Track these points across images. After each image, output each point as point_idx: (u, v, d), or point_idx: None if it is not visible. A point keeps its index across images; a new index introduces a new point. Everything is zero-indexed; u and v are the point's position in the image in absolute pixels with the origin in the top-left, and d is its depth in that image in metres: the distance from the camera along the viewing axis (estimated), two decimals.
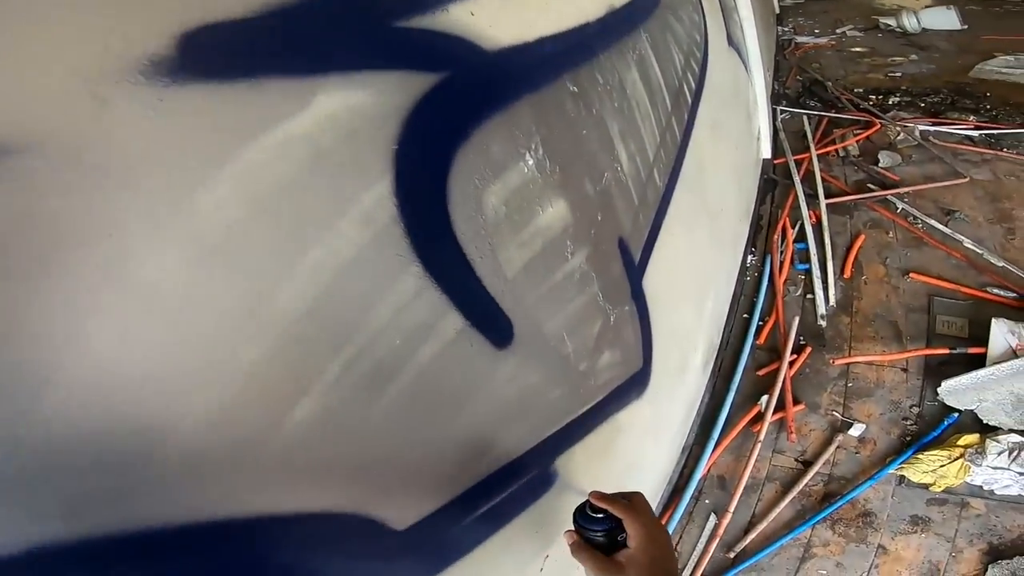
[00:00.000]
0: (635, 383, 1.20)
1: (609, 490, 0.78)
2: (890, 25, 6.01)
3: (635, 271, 1.15)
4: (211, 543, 0.47)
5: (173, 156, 0.43)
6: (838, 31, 6.21)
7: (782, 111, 3.85)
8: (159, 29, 0.41)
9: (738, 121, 2.36)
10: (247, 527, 0.49)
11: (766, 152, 3.09)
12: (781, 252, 2.53)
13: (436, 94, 0.63)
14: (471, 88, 0.71)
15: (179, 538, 0.44)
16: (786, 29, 6.51)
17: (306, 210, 0.52)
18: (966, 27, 5.74)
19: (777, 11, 6.97)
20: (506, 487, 0.84)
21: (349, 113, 0.55)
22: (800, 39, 6.03)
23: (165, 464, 0.43)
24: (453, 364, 0.69)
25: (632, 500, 0.79)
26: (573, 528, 0.78)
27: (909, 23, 5.87)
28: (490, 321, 0.75)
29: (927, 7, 6.38)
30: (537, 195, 0.82)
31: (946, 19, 5.94)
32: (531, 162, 0.80)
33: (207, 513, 0.46)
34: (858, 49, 5.48)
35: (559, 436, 0.94)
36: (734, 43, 2.38)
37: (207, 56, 0.44)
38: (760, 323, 2.23)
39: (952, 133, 3.34)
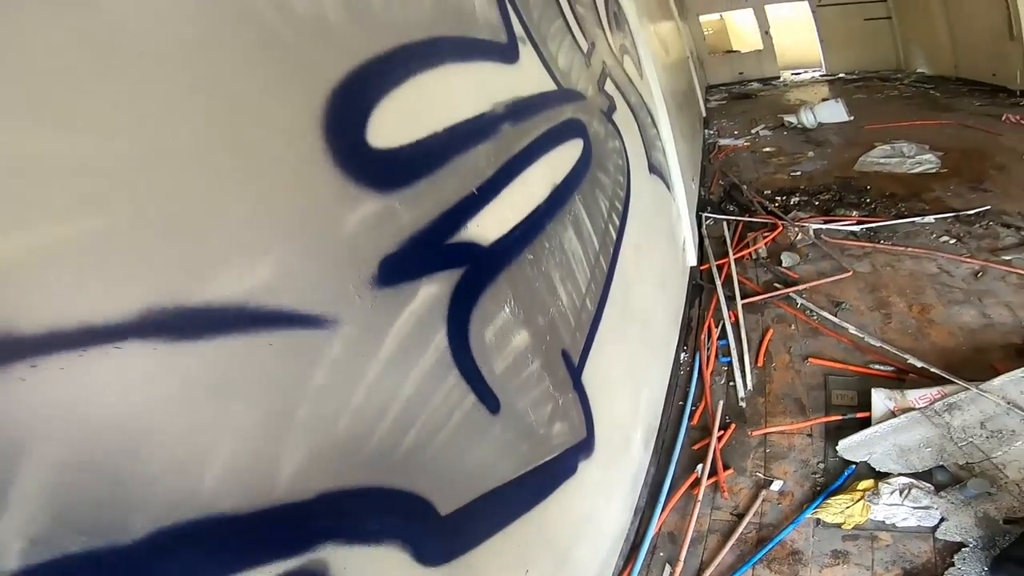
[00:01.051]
0: (582, 447, 1.68)
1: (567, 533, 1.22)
2: (792, 123, 7.18)
3: (575, 370, 1.66)
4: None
5: None
6: (753, 131, 7.42)
7: (707, 218, 4.62)
8: None
9: (661, 238, 3.02)
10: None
11: (692, 260, 3.76)
12: (708, 349, 3.10)
13: (463, 281, 1.18)
14: (479, 274, 1.26)
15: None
16: (711, 132, 7.75)
17: (412, 349, 1.02)
18: (852, 118, 6.90)
19: (704, 114, 8.28)
20: (495, 504, 1.27)
21: (427, 299, 1.08)
22: (723, 141, 7.16)
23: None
24: (470, 422, 1.18)
25: None
26: None
27: (807, 119, 7.03)
28: (488, 399, 1.24)
29: (823, 100, 7.64)
30: (510, 329, 1.34)
31: (835, 112, 7.06)
32: (507, 311, 1.34)
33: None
34: (768, 149, 6.55)
35: (528, 475, 1.40)
36: (656, 168, 3.11)
37: None
38: (692, 408, 2.78)
39: (839, 229, 4.15)
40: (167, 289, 0.69)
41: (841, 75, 10.37)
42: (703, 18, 11.41)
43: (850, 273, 3.62)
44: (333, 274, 0.91)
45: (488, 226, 1.32)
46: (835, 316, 3.21)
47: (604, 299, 1.94)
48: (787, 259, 3.90)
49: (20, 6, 0.62)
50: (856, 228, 4.13)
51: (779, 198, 4.99)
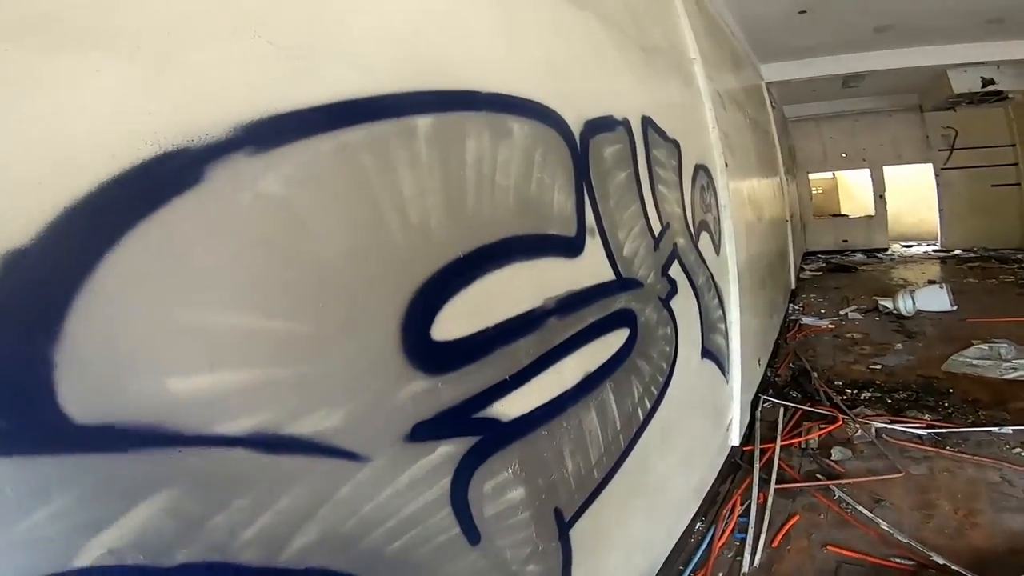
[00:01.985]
0: None
1: None
2: (887, 308, 6.98)
3: (564, 525, 1.73)
4: None
5: None
6: (842, 312, 7.29)
7: (765, 400, 4.60)
8: None
9: (699, 420, 3.07)
10: None
11: (735, 440, 3.76)
12: (726, 523, 3.09)
13: (478, 445, 1.38)
14: (493, 443, 1.43)
15: None
16: (796, 307, 7.70)
17: (420, 484, 1.18)
18: (955, 308, 6.63)
19: (792, 287, 8.22)
20: None
21: (444, 454, 1.28)
22: (806, 320, 7.07)
23: None
24: (450, 545, 1.31)
25: None
26: None
27: (904, 305, 6.80)
28: (471, 532, 1.37)
29: (929, 282, 7.30)
30: (508, 485, 1.47)
31: (937, 300, 6.79)
32: (509, 472, 1.48)
33: None
34: (853, 335, 6.40)
35: None
36: (711, 353, 3.21)
37: None
38: (691, 574, 2.74)
39: (904, 431, 4.03)
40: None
41: (957, 252, 10.04)
42: (814, 176, 11.46)
43: (902, 474, 3.52)
44: (378, 428, 1.17)
45: (512, 406, 1.50)
46: (871, 512, 3.13)
47: (614, 471, 2.02)
48: (837, 453, 3.83)
49: None
50: (923, 432, 3.99)
51: (849, 391, 4.87)
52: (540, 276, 1.63)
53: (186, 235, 0.91)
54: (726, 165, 3.71)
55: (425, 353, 1.27)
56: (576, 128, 1.86)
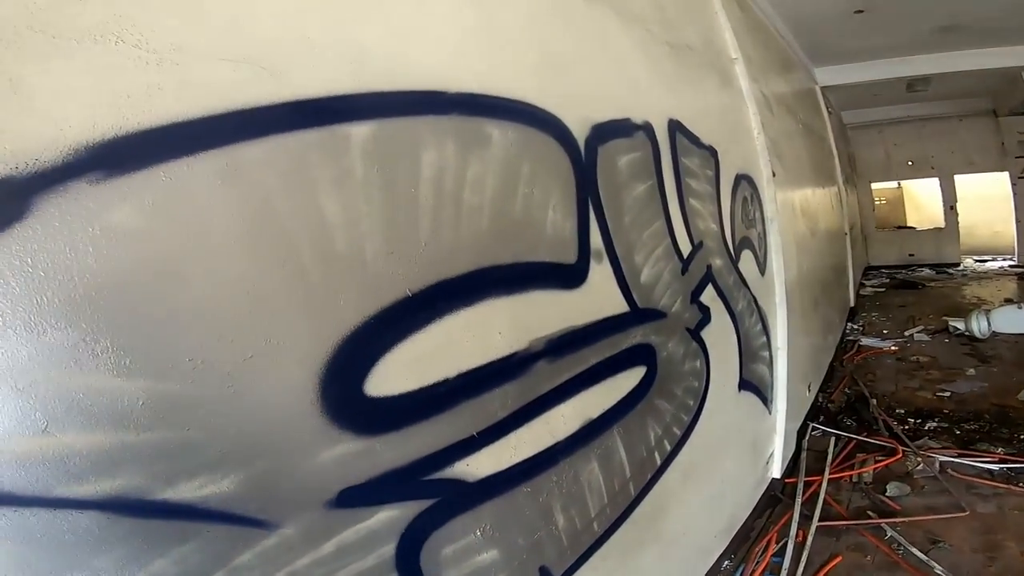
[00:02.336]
0: None
1: None
2: (958, 329, 6.25)
3: None
4: None
5: None
6: (907, 333, 6.59)
7: (813, 428, 4.11)
8: None
9: (732, 456, 2.66)
10: None
11: (775, 473, 3.35)
12: (757, 562, 2.72)
13: (432, 509, 1.12)
14: (452, 506, 1.16)
15: None
16: (855, 327, 7.01)
17: (351, 554, 0.91)
18: None
19: (851, 304, 7.50)
20: None
21: (384, 520, 1.04)
22: (865, 341, 6.41)
23: None
24: None
25: None
26: None
27: (978, 327, 6.06)
28: None
29: (1005, 301, 6.53)
30: (477, 547, 1.21)
31: (1016, 321, 6.05)
32: (478, 533, 1.20)
33: None
34: (919, 358, 5.75)
35: None
36: (751, 384, 2.79)
37: None
38: None
39: (972, 465, 3.50)
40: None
41: None
42: (877, 186, 10.58)
43: (966, 513, 3.02)
44: (287, 494, 0.95)
45: (481, 464, 1.22)
46: (926, 554, 2.71)
47: (620, 521, 1.70)
48: (894, 488, 3.37)
49: None
50: (995, 466, 3.45)
51: (912, 420, 4.30)
52: (525, 313, 1.32)
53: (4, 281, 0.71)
54: (773, 174, 3.28)
55: (355, 411, 1.01)
56: (580, 133, 1.53)
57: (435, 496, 1.13)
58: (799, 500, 3.26)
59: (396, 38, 1.11)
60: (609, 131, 1.68)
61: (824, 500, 3.26)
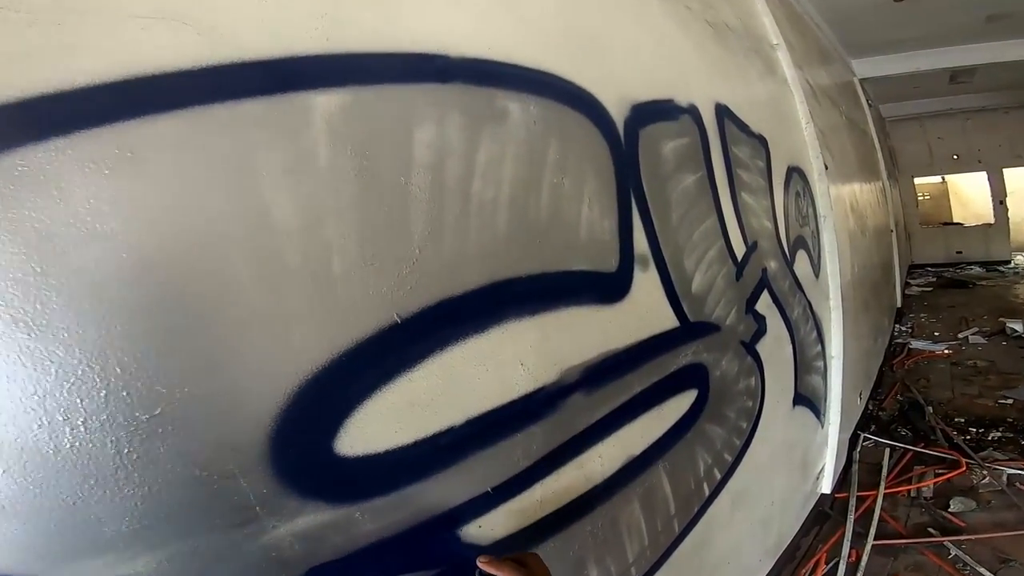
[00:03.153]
0: None
1: None
2: (1017, 331, 5.64)
3: None
4: None
5: None
6: (960, 335, 5.97)
7: (865, 439, 3.65)
8: None
9: (782, 475, 2.28)
10: None
11: (826, 488, 2.96)
12: None
13: None
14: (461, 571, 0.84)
15: None
16: (904, 328, 6.39)
17: None
18: None
19: (898, 305, 6.87)
20: None
21: None
22: (916, 344, 5.80)
23: None
24: None
25: (527, 562, 0.76)
26: None
27: None
28: None
29: None
30: None
31: None
32: None
33: None
34: (976, 363, 5.18)
35: None
36: (805, 399, 2.40)
37: None
38: None
39: None
40: None
41: None
42: (919, 181, 9.80)
43: None
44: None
45: (498, 524, 0.90)
46: (994, 573, 2.37)
47: (661, 562, 1.37)
48: (957, 503, 2.94)
49: None
50: None
51: (974, 430, 3.80)
52: (555, 337, 0.99)
53: None
54: (826, 167, 2.86)
55: (325, 474, 0.72)
56: (618, 113, 1.19)
57: (436, 567, 0.83)
58: (851, 516, 2.85)
59: None
60: (651, 113, 1.34)
61: (880, 516, 2.84)
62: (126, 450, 0.60)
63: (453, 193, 0.83)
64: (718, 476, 1.61)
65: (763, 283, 1.92)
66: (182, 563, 0.62)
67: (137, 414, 0.60)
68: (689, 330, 1.39)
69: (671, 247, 1.35)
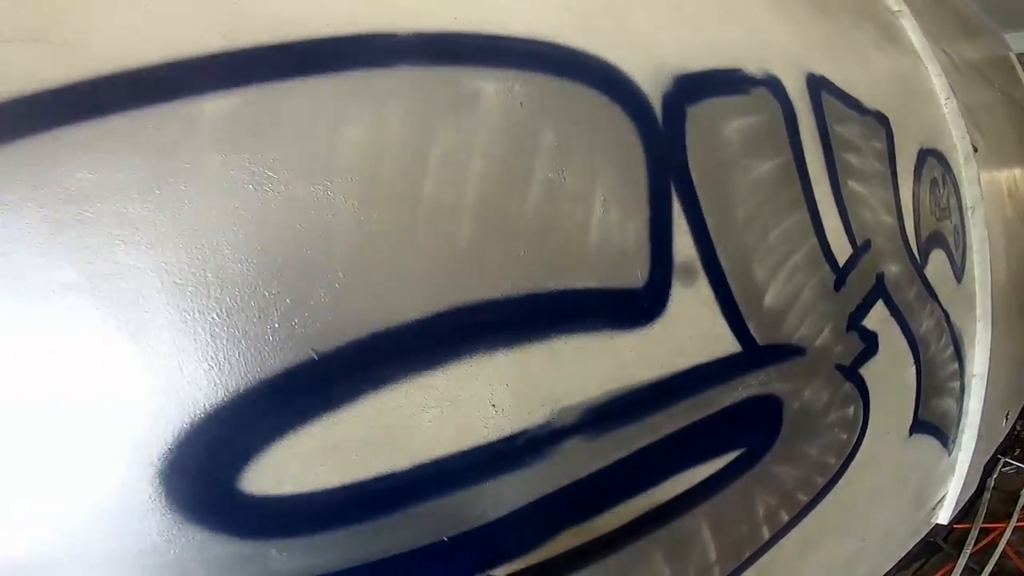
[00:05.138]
0: None
1: None
2: None
3: None
4: None
5: None
6: None
7: (1006, 464, 2.77)
8: None
9: (886, 513, 1.71)
10: None
11: (943, 519, 2.26)
12: None
13: None
14: None
15: None
16: None
17: None
18: None
19: None
20: None
21: None
22: None
23: None
24: None
25: None
26: None
27: None
28: None
29: None
30: None
31: None
32: None
33: None
34: None
35: None
36: (928, 425, 1.80)
37: None
38: None
39: None
40: None
41: None
42: None
43: None
44: None
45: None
46: None
47: None
48: None
49: None
50: None
51: None
52: (542, 372, 0.72)
53: None
54: (975, 149, 2.14)
55: (228, 510, 0.57)
56: (652, 87, 0.86)
57: None
58: (968, 550, 2.17)
59: None
60: (706, 85, 0.98)
61: (1003, 551, 2.17)
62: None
63: (393, 200, 0.61)
64: (784, 518, 1.20)
65: (877, 292, 1.41)
66: None
67: None
68: (755, 355, 1.01)
69: (733, 251, 0.99)
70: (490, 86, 0.69)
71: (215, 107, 0.54)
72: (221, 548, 0.56)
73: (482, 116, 0.68)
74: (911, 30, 2.23)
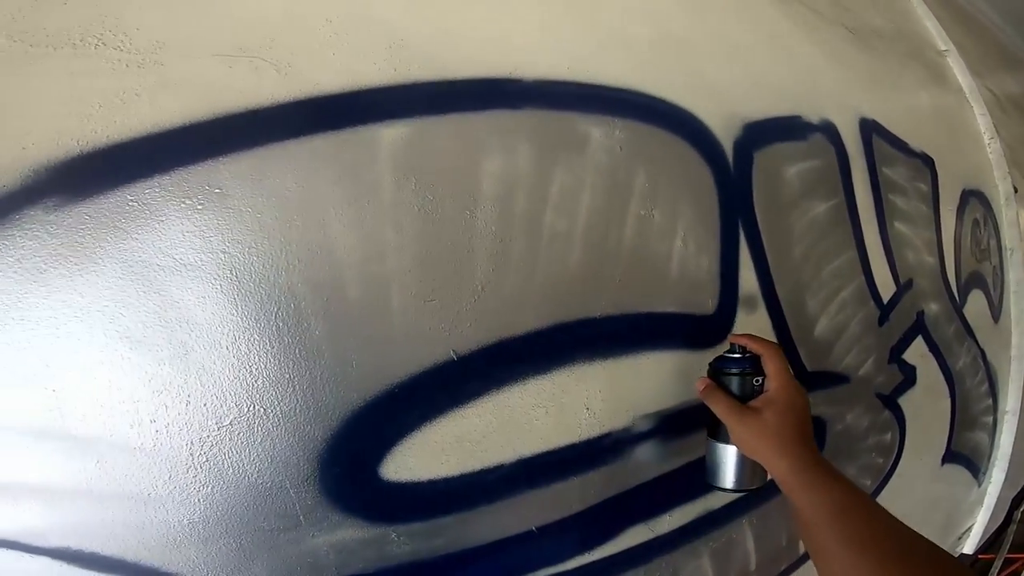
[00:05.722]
0: None
1: None
2: None
3: None
4: None
5: None
6: None
7: None
8: None
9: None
10: None
11: (968, 548, 2.28)
12: None
13: None
14: None
15: None
16: None
17: None
18: None
19: None
20: None
21: None
22: None
23: None
24: None
25: (772, 347, 0.73)
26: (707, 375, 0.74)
27: None
28: None
29: None
30: None
31: None
32: None
33: None
34: None
35: None
36: (959, 456, 1.84)
37: None
38: None
39: None
40: None
41: None
42: None
43: None
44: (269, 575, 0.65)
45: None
46: None
47: None
48: None
49: None
50: None
51: None
52: (628, 382, 0.83)
53: None
54: (1015, 190, 2.19)
55: (367, 495, 0.67)
56: (725, 134, 0.98)
57: None
58: None
59: (448, 13, 0.74)
60: (770, 131, 1.09)
61: None
62: (198, 453, 0.61)
63: (521, 227, 0.72)
64: None
65: (917, 329, 1.49)
66: (225, 557, 0.61)
67: (211, 423, 0.61)
68: (804, 380, 1.10)
69: (789, 286, 1.09)
70: (596, 131, 0.80)
71: (390, 134, 0.66)
72: (350, 531, 0.66)
73: (589, 157, 0.80)
74: (957, 69, 2.29)
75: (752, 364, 0.73)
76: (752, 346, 0.74)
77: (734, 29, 1.13)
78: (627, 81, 0.87)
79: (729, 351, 0.76)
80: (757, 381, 0.72)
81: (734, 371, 0.73)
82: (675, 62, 0.96)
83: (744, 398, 0.72)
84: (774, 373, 0.71)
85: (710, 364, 0.77)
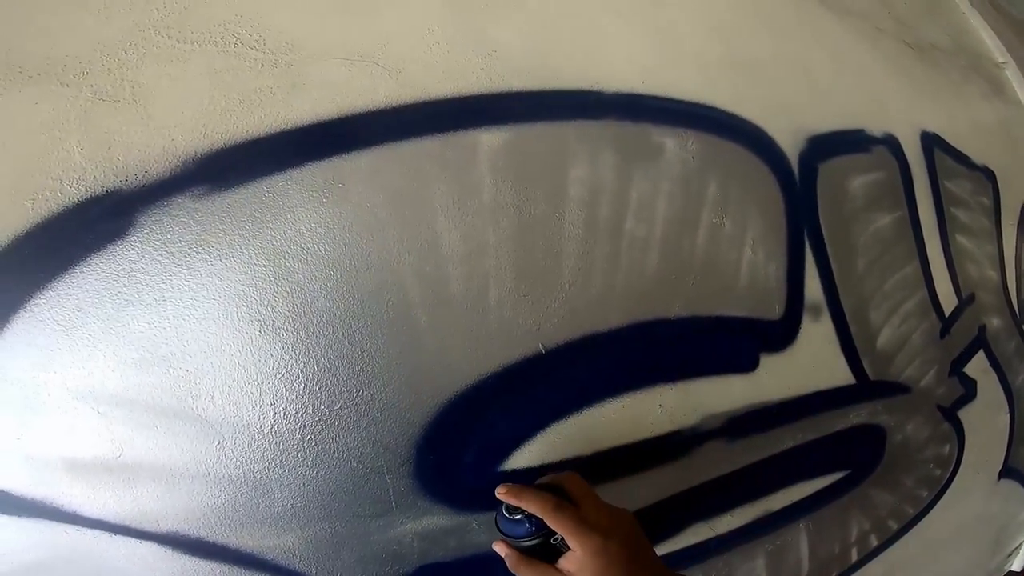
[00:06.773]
0: None
1: None
2: None
3: None
4: None
5: None
6: None
7: None
8: None
9: (961, 552, 1.70)
10: None
11: (1016, 566, 2.19)
12: None
13: None
14: None
15: None
16: None
17: None
18: None
19: None
20: None
21: None
22: None
23: None
24: None
25: (562, 485, 0.64)
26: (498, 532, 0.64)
27: None
28: None
29: None
30: None
31: None
32: None
33: None
34: None
35: None
36: (1016, 472, 1.79)
37: None
38: None
39: None
40: None
41: None
42: None
43: None
44: (356, 560, 0.70)
45: None
46: None
47: None
48: None
49: None
50: None
51: None
52: (699, 381, 0.88)
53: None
54: None
55: (454, 483, 0.72)
56: (791, 147, 1.02)
57: None
58: None
59: (535, 27, 0.80)
60: (834, 145, 1.12)
61: None
62: (308, 436, 0.67)
63: (604, 230, 0.78)
64: (874, 543, 1.28)
65: (978, 343, 1.48)
66: (319, 543, 0.67)
67: (323, 407, 0.67)
68: (867, 389, 1.12)
69: (853, 297, 1.11)
70: (670, 142, 0.86)
71: (489, 139, 0.72)
72: (436, 519, 0.71)
73: (664, 167, 0.85)
74: (1016, 82, 2.25)
75: (537, 524, 0.62)
76: (524, 506, 0.62)
77: (799, 45, 1.17)
78: (698, 95, 0.92)
79: (506, 509, 0.65)
80: (555, 539, 0.61)
81: (526, 541, 0.63)
82: (743, 78, 1.01)
83: (553, 558, 0.61)
84: (568, 531, 0.59)
85: (496, 526, 0.66)
